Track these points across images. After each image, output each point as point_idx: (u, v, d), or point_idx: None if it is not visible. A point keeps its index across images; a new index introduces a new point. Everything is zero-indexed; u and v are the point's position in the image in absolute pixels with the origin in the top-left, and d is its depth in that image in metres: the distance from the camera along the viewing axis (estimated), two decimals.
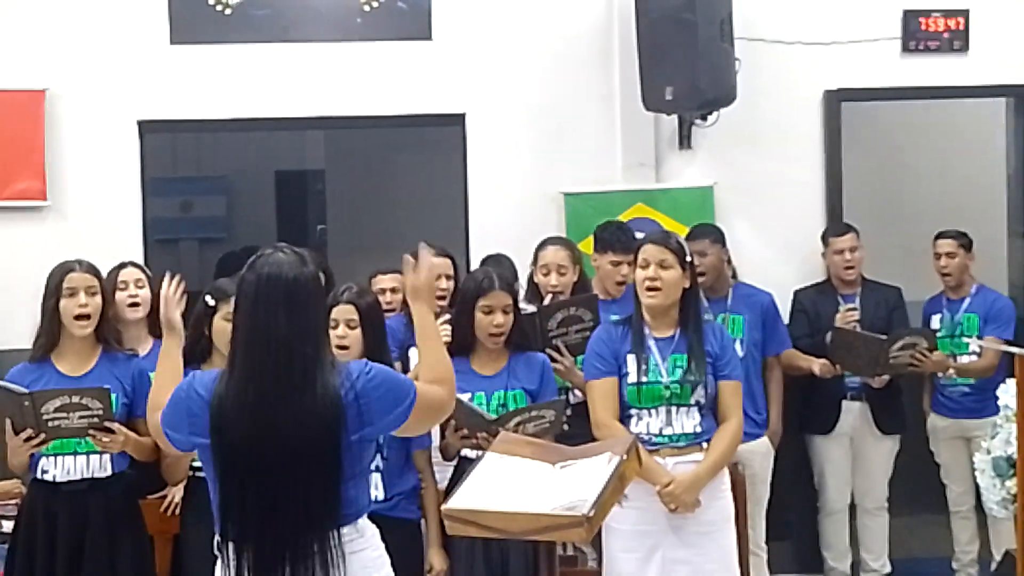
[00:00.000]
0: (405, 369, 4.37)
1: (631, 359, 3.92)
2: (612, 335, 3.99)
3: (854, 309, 5.45)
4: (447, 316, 4.44)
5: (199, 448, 2.80)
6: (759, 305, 5.34)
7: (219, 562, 2.78)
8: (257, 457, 2.67)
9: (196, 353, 3.98)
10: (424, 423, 2.99)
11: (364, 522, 2.80)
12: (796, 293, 5.67)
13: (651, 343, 3.94)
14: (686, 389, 3.88)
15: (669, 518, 3.83)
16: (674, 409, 3.89)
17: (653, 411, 3.90)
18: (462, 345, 4.08)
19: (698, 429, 3.90)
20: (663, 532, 3.84)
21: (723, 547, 3.91)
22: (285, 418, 2.67)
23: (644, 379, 3.90)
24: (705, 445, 3.90)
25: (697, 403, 3.90)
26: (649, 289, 3.89)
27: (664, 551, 3.84)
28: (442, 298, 4.63)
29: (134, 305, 4.52)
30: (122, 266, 4.62)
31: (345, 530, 2.73)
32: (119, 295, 4.51)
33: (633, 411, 3.92)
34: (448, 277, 4.68)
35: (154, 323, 4.53)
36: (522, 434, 3.73)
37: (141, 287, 4.55)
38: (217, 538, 2.78)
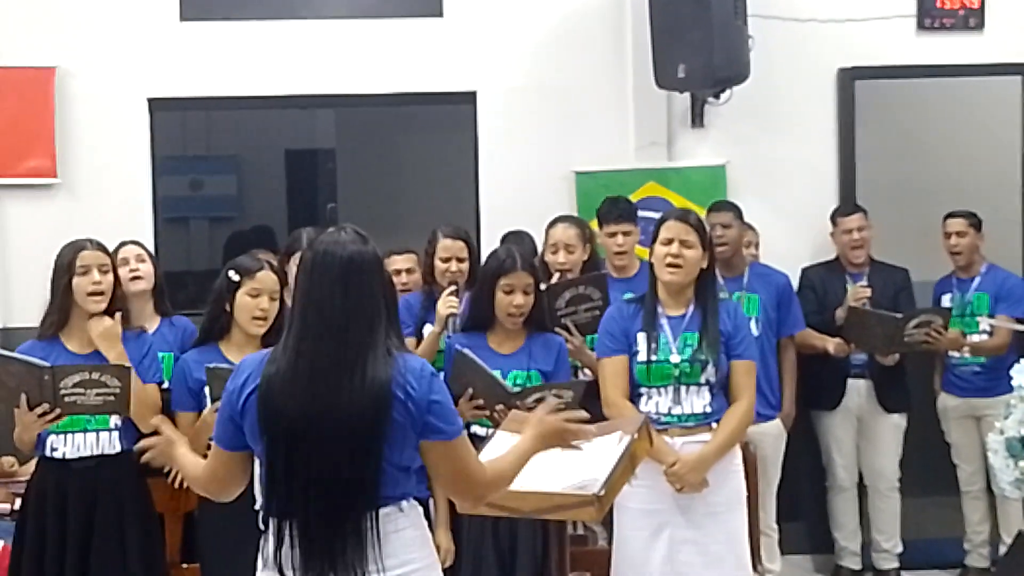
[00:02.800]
0: (419, 344, 4.37)
1: (641, 337, 3.90)
2: (624, 313, 3.97)
3: (865, 287, 5.43)
4: (453, 287, 4.43)
5: (247, 428, 2.74)
6: (775, 285, 5.33)
7: (265, 536, 2.78)
8: (302, 433, 2.66)
9: (215, 330, 3.99)
10: (441, 472, 2.76)
11: (408, 503, 2.78)
12: (804, 271, 5.66)
13: (663, 321, 3.91)
14: (695, 368, 3.85)
15: (677, 497, 3.82)
16: (683, 388, 3.86)
17: (662, 390, 3.87)
18: (480, 322, 4.08)
19: (708, 409, 3.88)
20: (671, 511, 3.83)
21: (731, 529, 3.88)
22: (333, 396, 2.65)
23: (654, 357, 3.87)
24: (715, 425, 3.87)
25: (707, 382, 3.86)
26: (670, 265, 3.86)
27: (671, 530, 3.83)
28: (456, 277, 4.61)
29: (136, 279, 4.50)
30: (121, 245, 4.59)
31: (388, 510, 2.72)
32: (120, 271, 4.50)
33: (643, 390, 3.91)
34: (460, 260, 4.65)
35: (159, 301, 4.54)
36: None
37: (142, 261, 4.54)
38: (263, 512, 2.77)
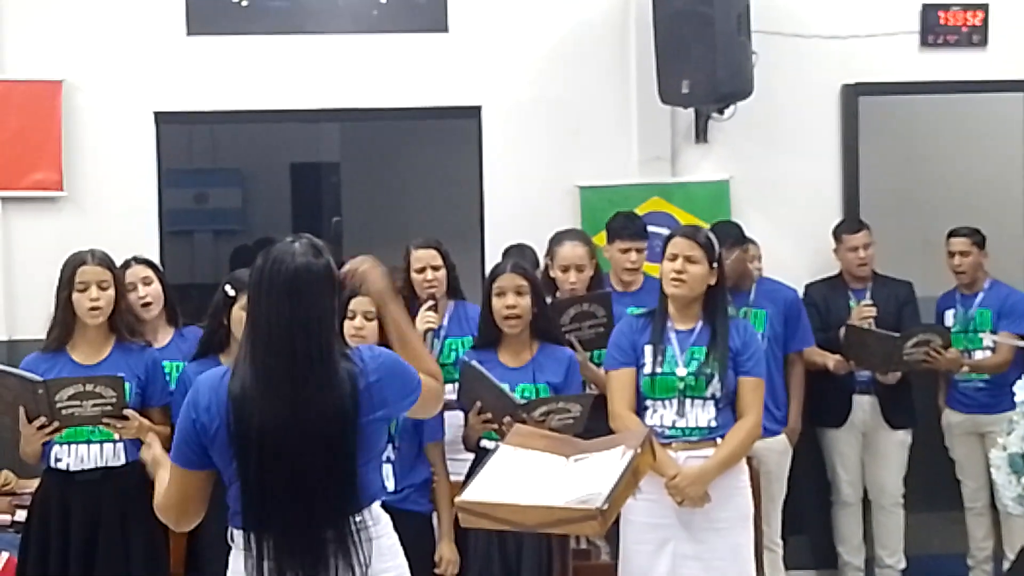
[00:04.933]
0: None
1: (648, 350, 3.92)
2: (633, 326, 3.99)
3: (870, 306, 5.43)
4: (431, 303, 4.46)
5: (215, 447, 2.76)
6: (782, 301, 5.33)
7: (234, 551, 2.79)
8: (274, 447, 2.68)
9: (214, 343, 4.00)
10: (424, 411, 3.01)
11: (377, 509, 2.81)
12: (807, 287, 5.66)
13: (671, 335, 3.93)
14: (700, 382, 3.86)
15: (681, 512, 3.82)
16: (688, 401, 3.87)
17: (667, 403, 3.88)
18: (488, 337, 4.11)
19: (712, 423, 3.88)
20: (675, 526, 3.83)
21: (735, 545, 3.87)
22: (299, 408, 2.67)
23: (659, 370, 3.89)
24: (719, 440, 3.87)
25: (713, 397, 3.87)
26: (674, 280, 3.89)
27: (675, 545, 3.83)
28: (431, 287, 4.61)
29: (146, 305, 4.47)
30: (127, 265, 4.53)
31: (362, 516, 2.74)
32: (130, 296, 4.49)
33: (648, 402, 3.92)
34: (435, 268, 4.65)
35: (170, 314, 4.55)
36: (547, 425, 3.74)
37: (149, 283, 4.48)
38: (232, 528, 2.79)
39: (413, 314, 4.59)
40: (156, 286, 4.51)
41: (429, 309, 4.45)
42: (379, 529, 2.79)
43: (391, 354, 2.86)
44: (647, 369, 3.91)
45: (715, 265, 3.91)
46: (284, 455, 2.67)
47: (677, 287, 3.89)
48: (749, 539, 3.93)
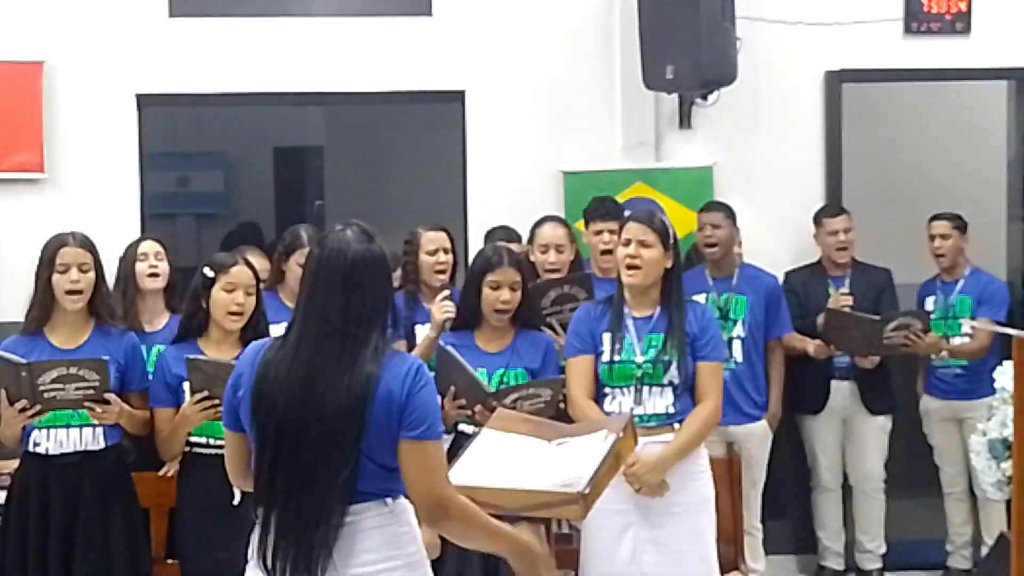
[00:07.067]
0: (411, 347, 4.38)
1: (606, 338, 3.90)
2: (591, 313, 3.98)
3: (848, 294, 5.46)
4: (447, 292, 4.44)
5: (242, 411, 2.78)
6: (764, 287, 5.35)
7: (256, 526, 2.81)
8: (291, 428, 2.69)
9: (193, 327, 3.99)
10: (405, 470, 2.71)
11: (394, 499, 2.78)
12: (787, 275, 5.67)
13: (629, 322, 3.91)
14: (658, 369, 3.84)
15: (639, 497, 3.79)
16: (646, 389, 3.85)
17: (625, 390, 3.87)
18: (467, 320, 4.09)
19: (670, 410, 3.85)
20: (634, 511, 3.81)
21: (695, 528, 3.84)
22: (322, 394, 2.67)
23: (616, 358, 3.87)
24: (677, 426, 3.84)
25: (670, 383, 3.84)
26: (628, 267, 3.88)
27: (635, 530, 3.81)
28: (441, 272, 4.61)
29: (154, 275, 4.59)
30: (142, 239, 4.72)
31: (369, 504, 2.73)
32: (139, 266, 4.60)
33: (607, 390, 3.90)
34: (446, 251, 4.66)
35: (170, 298, 4.58)
36: (519, 411, 3.73)
37: (161, 259, 4.64)
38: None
39: (416, 299, 4.58)
40: (166, 264, 4.65)
41: (445, 299, 4.40)
42: (392, 517, 2.76)
43: (430, 384, 2.77)
44: (605, 357, 3.88)
45: (669, 249, 3.87)
46: (298, 438, 2.68)
47: (632, 275, 3.87)
48: (710, 523, 3.90)
